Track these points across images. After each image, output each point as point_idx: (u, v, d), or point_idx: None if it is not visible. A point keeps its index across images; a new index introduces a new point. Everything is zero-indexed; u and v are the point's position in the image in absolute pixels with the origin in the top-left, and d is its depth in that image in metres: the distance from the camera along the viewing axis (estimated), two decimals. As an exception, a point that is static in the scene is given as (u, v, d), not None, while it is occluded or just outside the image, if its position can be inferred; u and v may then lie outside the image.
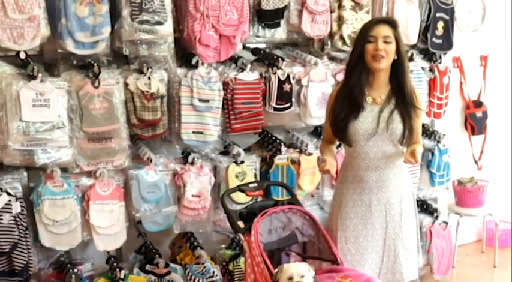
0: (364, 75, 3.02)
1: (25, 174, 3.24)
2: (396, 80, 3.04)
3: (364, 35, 3.00)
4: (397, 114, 3.02)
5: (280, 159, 3.75)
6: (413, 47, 4.24)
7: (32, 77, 3.01)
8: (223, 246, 3.87)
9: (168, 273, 3.48)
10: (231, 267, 3.70)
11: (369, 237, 3.09)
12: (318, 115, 3.76)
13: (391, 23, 3.03)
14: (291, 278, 2.65)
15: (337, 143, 3.37)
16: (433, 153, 4.32)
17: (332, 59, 3.94)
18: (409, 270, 3.15)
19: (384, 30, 2.97)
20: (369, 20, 3.27)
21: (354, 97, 3.01)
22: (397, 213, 3.10)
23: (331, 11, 3.81)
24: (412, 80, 3.17)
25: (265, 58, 3.75)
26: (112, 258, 3.44)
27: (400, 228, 3.11)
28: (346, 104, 3.03)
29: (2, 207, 3.04)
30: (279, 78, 3.64)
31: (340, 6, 3.81)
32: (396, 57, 3.00)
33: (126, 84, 3.28)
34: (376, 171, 3.05)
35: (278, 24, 3.67)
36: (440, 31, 4.28)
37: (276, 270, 2.73)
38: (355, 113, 3.01)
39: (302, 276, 2.65)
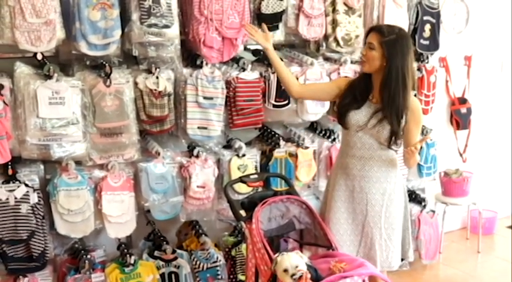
0: (364, 75, 3.08)
1: (42, 167, 3.26)
2: (385, 89, 2.96)
3: (364, 40, 3.10)
4: (387, 122, 2.97)
5: (279, 153, 3.76)
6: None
7: (48, 77, 3.02)
8: (226, 233, 3.88)
9: (175, 258, 3.50)
10: (233, 253, 3.71)
11: (349, 219, 3.11)
12: (314, 111, 3.77)
13: (378, 30, 2.98)
14: (286, 270, 2.59)
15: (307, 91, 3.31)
16: (421, 147, 4.31)
17: (327, 59, 3.94)
18: (384, 260, 3.12)
19: (370, 38, 2.98)
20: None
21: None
22: (379, 204, 3.08)
23: (326, 15, 3.81)
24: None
25: (264, 58, 3.72)
26: (123, 245, 3.46)
27: (380, 218, 3.08)
28: (352, 94, 3.08)
29: (21, 198, 3.07)
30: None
31: (334, 10, 3.81)
32: (384, 64, 2.94)
33: (135, 83, 3.29)
34: (360, 160, 3.07)
35: (277, 27, 3.67)
36: (427, 33, 4.27)
37: (274, 261, 2.69)
38: (355, 105, 3.05)
39: (296, 267, 2.59)
